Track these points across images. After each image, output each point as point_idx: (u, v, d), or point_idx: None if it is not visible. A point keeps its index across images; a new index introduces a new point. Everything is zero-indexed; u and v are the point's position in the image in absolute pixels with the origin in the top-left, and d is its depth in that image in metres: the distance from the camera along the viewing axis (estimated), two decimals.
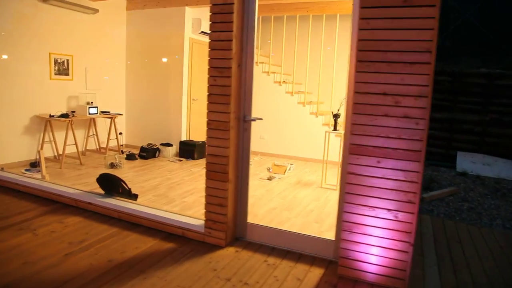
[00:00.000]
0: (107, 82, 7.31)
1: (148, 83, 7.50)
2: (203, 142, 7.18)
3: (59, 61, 6.43)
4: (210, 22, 3.42)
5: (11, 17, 5.67)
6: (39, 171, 5.65)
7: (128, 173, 5.96)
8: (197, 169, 6.39)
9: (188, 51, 7.07)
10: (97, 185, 4.60)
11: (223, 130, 3.47)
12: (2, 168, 5.48)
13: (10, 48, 5.68)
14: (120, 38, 7.54)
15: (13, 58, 5.74)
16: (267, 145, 7.59)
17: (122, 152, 7.11)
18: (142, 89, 7.57)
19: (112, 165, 6.16)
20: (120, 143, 7.30)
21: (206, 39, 7.80)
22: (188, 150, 7.02)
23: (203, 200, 3.66)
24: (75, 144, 6.30)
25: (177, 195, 4.96)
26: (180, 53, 7.05)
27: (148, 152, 6.89)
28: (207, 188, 3.59)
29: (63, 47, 6.46)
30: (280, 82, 7.35)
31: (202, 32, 7.19)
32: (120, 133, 7.24)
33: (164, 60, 7.25)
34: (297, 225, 4.08)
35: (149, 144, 7.07)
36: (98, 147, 7.22)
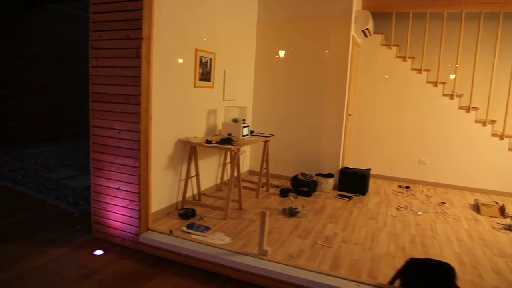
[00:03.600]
0: (236, 90, 5.13)
1: (285, 91, 5.39)
2: (368, 170, 5.19)
3: (203, 61, 4.21)
4: None
5: None
6: (207, 228, 3.48)
7: (325, 225, 3.88)
8: (396, 212, 4.40)
9: (350, 53, 5.04)
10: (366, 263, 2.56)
11: None
12: (171, 231, 3.24)
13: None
14: (250, 30, 5.36)
15: (156, 54, 3.48)
16: (428, 172, 5.72)
17: (262, 186, 4.97)
18: (274, 99, 5.45)
19: (292, 212, 4.04)
20: (242, 170, 5.15)
21: (363, 41, 5.65)
22: (356, 182, 5.01)
23: None
24: (238, 181, 4.12)
25: None
26: (343, 55, 5.00)
27: (309, 187, 4.80)
28: None
29: (206, 41, 4.25)
30: (453, 95, 5.49)
31: (367, 29, 5.18)
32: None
33: (307, 61, 5.18)
34: None
35: (304, 174, 4.98)
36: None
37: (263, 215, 2.90)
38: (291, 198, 4.18)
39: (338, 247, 3.38)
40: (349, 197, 4.83)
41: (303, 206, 4.13)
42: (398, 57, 5.67)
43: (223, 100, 4.72)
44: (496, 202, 4.73)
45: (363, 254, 3.28)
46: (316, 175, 5.07)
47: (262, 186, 4.95)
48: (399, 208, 4.59)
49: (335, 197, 4.86)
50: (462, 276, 2.94)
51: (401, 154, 5.82)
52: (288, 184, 5.17)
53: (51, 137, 7.30)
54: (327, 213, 4.26)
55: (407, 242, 3.61)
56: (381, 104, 5.85)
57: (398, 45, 5.68)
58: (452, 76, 5.59)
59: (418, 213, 4.44)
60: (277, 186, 5.10)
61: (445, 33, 5.43)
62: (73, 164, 5.61)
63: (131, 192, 3.09)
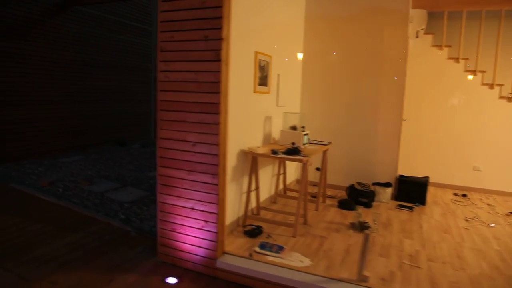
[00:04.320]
0: (288, 95, 4.75)
1: (335, 95, 5.02)
2: (426, 178, 4.82)
3: (261, 64, 3.84)
4: None
5: None
6: (281, 248, 3.10)
7: (401, 240, 3.50)
8: (467, 225, 4.02)
9: (407, 55, 4.66)
10: None
11: None
12: (251, 254, 2.86)
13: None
14: (298, 29, 4.98)
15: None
16: (483, 179, 5.34)
17: (314, 197, 4.59)
18: (324, 103, 5.08)
19: (363, 227, 3.66)
20: (290, 179, 4.76)
21: (412, 41, 4.91)
22: (414, 191, 4.63)
23: None
24: (305, 194, 3.74)
25: None
26: (400, 57, 4.63)
27: (368, 197, 4.43)
28: None
29: (264, 43, 3.88)
30: (510, 97, 5.11)
31: (422, 29, 4.81)
32: (318, 169, 4.70)
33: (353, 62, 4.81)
34: None
35: (360, 183, 4.60)
36: (284, 189, 4.65)
37: (366, 237, 2.52)
38: (359, 211, 3.80)
39: (427, 267, 3.01)
40: (411, 208, 4.45)
41: (374, 220, 3.76)
42: (450, 58, 5.30)
43: (277, 106, 4.35)
44: None
45: (458, 275, 2.91)
46: (373, 184, 4.69)
47: (314, 197, 4.56)
48: (468, 219, 4.21)
49: (396, 208, 4.48)
50: None
51: (453, 160, 5.44)
52: (342, 194, 4.79)
53: (79, 145, 6.90)
54: (396, 227, 3.88)
55: (497, 259, 3.23)
56: (431, 107, 5.48)
57: (450, 46, 5.31)
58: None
59: (491, 225, 4.06)
60: (331, 197, 4.72)
61: (502, 32, 5.06)
62: (110, 175, 5.22)
63: (208, 212, 2.71)
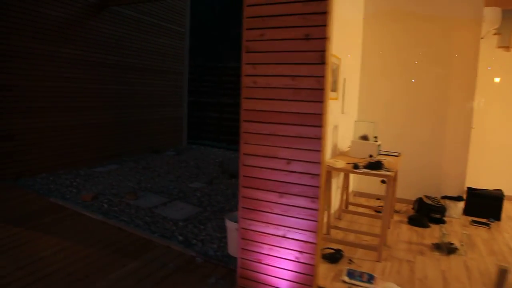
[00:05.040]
0: (351, 101, 4.29)
1: (396, 100, 4.55)
2: (499, 190, 4.34)
3: (333, 67, 3.38)
4: None
5: None
6: (371, 277, 2.66)
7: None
8: None
9: (479, 58, 4.20)
10: None
11: None
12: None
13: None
14: (356, 29, 4.52)
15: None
16: None
17: (378, 212, 4.14)
18: (384, 109, 4.61)
19: (450, 249, 3.19)
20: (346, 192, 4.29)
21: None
22: (487, 205, 4.15)
23: None
24: (389, 214, 3.27)
25: None
26: (470, 61, 4.18)
27: (440, 212, 3.96)
28: None
29: (334, 43, 3.40)
30: None
31: (495, 29, 4.33)
32: (384, 181, 4.23)
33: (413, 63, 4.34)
34: None
35: (429, 197, 4.13)
36: (346, 203, 4.18)
37: (502, 273, 2.05)
38: (443, 230, 3.33)
39: None
40: (487, 224, 3.97)
41: (461, 242, 3.28)
42: None
43: (342, 113, 3.90)
44: None
45: None
46: (442, 197, 4.22)
47: (379, 212, 4.10)
48: None
49: (471, 224, 4.00)
50: None
51: None
52: (408, 209, 4.32)
53: (113, 154, 6.47)
54: (482, 248, 3.40)
55: None
56: (493, 113, 4.99)
57: None
58: None
59: None
60: (397, 211, 4.25)
61: None
62: (153, 186, 4.79)
63: (304, 241, 2.26)
